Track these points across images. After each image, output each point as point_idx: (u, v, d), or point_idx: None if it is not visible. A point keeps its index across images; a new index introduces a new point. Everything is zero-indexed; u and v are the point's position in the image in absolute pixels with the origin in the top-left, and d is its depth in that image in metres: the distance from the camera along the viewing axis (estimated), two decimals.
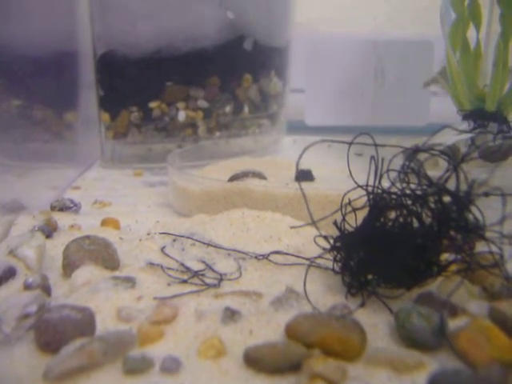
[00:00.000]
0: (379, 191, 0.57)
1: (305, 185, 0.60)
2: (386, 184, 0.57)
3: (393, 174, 0.56)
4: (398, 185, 0.56)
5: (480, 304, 0.55)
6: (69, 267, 0.63)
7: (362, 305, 0.55)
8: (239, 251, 0.68)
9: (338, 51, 1.49)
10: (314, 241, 0.64)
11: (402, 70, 1.48)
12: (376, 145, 0.56)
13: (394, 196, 0.56)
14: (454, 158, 0.54)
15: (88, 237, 0.66)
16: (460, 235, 0.54)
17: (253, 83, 1.29)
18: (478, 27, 1.02)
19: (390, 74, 1.49)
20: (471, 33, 1.03)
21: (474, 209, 0.54)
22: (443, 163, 0.55)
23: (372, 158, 0.56)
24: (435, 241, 0.54)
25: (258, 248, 0.69)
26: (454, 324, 0.51)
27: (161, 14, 1.16)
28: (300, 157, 0.54)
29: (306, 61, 1.51)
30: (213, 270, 0.63)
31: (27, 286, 0.58)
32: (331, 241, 0.60)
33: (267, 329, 0.51)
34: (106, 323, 0.52)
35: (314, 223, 0.58)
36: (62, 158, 1.18)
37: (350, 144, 0.56)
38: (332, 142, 0.55)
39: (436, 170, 0.58)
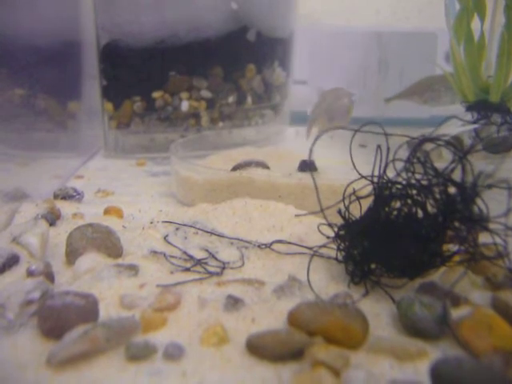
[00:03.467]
0: (384, 181, 0.57)
1: (308, 175, 0.60)
2: (391, 174, 0.57)
3: (398, 164, 0.56)
4: (404, 175, 0.56)
5: (483, 294, 0.55)
6: (72, 255, 0.63)
7: (365, 294, 0.55)
8: (242, 240, 0.68)
9: (342, 42, 1.48)
10: (318, 229, 0.64)
11: (406, 61, 1.48)
12: (382, 134, 0.55)
13: (398, 186, 0.56)
14: (461, 149, 0.54)
15: (91, 225, 0.66)
16: (464, 226, 0.54)
17: (256, 74, 1.29)
18: (482, 18, 1.01)
19: (393, 65, 1.48)
20: (475, 24, 1.02)
21: (478, 200, 0.54)
22: (447, 155, 0.55)
23: (378, 147, 0.56)
24: (439, 231, 0.54)
25: (261, 237, 0.69)
26: (456, 313, 0.51)
27: (164, 3, 1.16)
28: (313, 144, 0.54)
29: (310, 52, 1.51)
30: (216, 259, 0.63)
31: (30, 273, 0.58)
32: (335, 229, 0.60)
33: (270, 317, 0.51)
34: (109, 310, 0.52)
35: (321, 211, 0.58)
36: (65, 148, 1.18)
37: (356, 131, 0.56)
38: (340, 129, 0.55)
39: (440, 161, 0.58)
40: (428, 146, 0.56)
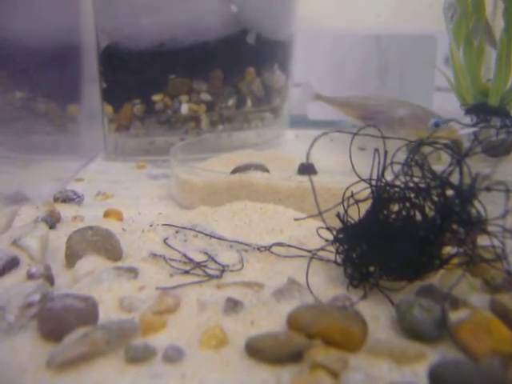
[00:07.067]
0: (382, 184, 0.57)
1: (307, 178, 0.60)
2: (389, 177, 0.57)
3: (396, 167, 0.56)
4: (402, 178, 0.56)
5: (481, 297, 0.55)
6: (72, 257, 0.63)
7: (364, 297, 0.55)
8: (241, 243, 0.68)
9: (342, 45, 1.49)
10: (317, 232, 0.64)
11: (405, 64, 1.48)
12: (380, 137, 0.56)
13: (397, 189, 0.56)
14: (458, 152, 0.54)
15: (91, 228, 0.66)
16: (462, 229, 0.54)
17: (256, 77, 1.29)
18: (481, 22, 1.01)
19: (392, 68, 1.49)
20: None
21: (476, 203, 0.54)
22: (446, 158, 0.55)
23: (376, 150, 0.56)
24: (437, 234, 0.54)
25: (260, 240, 0.69)
26: (455, 316, 0.51)
27: (164, 7, 1.16)
28: (311, 147, 0.54)
29: (309, 55, 1.51)
30: (215, 262, 0.63)
31: (30, 276, 0.58)
32: (334, 232, 0.60)
33: (269, 319, 0.52)
34: (108, 313, 0.52)
35: (320, 214, 0.58)
36: (65, 151, 1.19)
37: (354, 135, 0.56)
38: (339, 132, 0.55)
39: (439, 164, 0.58)
40: (427, 149, 0.56)
